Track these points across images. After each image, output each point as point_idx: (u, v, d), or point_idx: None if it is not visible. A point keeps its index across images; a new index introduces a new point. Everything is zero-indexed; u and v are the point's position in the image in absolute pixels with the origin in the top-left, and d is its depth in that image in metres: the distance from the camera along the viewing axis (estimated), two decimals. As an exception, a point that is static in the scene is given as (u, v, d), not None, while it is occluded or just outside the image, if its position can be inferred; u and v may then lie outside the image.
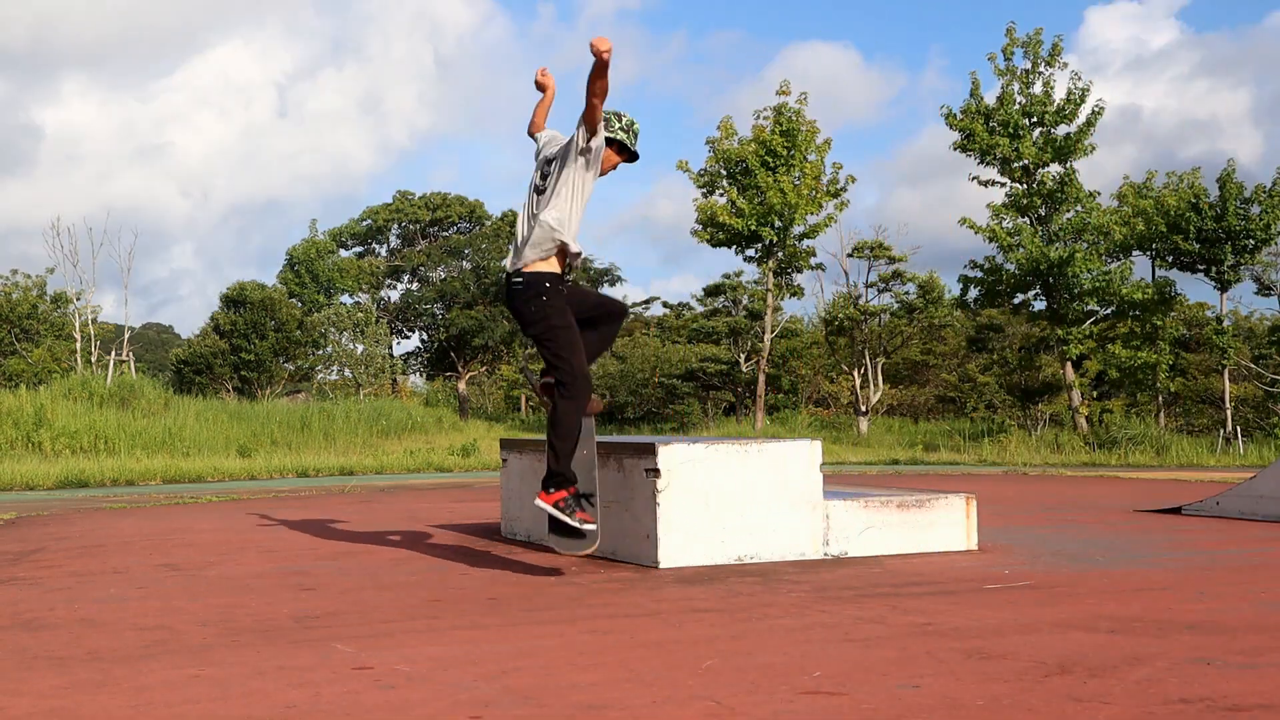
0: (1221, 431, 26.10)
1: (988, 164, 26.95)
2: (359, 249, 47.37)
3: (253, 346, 38.71)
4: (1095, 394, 32.58)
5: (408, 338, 46.08)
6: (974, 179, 27.40)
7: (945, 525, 6.07)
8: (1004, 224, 26.93)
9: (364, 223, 46.86)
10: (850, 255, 32.08)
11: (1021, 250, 26.28)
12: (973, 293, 28.22)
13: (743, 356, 35.37)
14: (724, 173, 28.76)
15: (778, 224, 28.17)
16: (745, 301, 36.90)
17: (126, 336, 32.26)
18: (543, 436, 5.60)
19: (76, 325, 32.96)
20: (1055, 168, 26.75)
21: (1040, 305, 27.92)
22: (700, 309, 40.83)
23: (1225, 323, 28.23)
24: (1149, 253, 28.88)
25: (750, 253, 29.61)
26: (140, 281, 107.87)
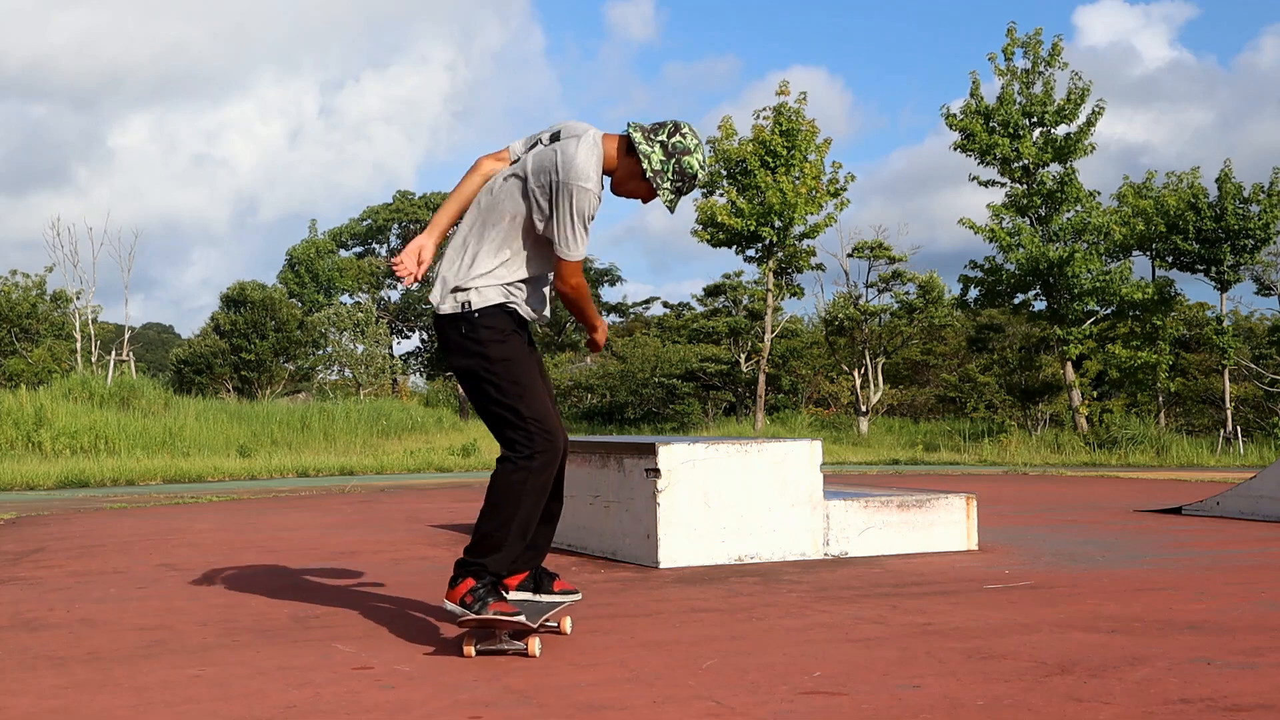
0: (1221, 431, 26.09)
1: (987, 164, 26.95)
2: (359, 249, 47.39)
3: (253, 346, 38.70)
4: (1095, 394, 32.56)
5: (408, 338, 46.12)
6: (974, 179, 27.41)
7: (945, 525, 6.07)
8: (1004, 224, 26.93)
9: (364, 222, 46.89)
10: (850, 255, 32.08)
11: (1021, 250, 26.28)
12: (973, 293, 28.22)
13: (743, 356, 35.37)
14: (724, 173, 28.77)
15: (777, 224, 28.17)
16: (745, 301, 36.89)
17: (126, 336, 32.26)
18: None
19: (76, 325, 32.96)
20: (1055, 167, 26.75)
21: (1040, 305, 27.92)
22: (700, 309, 40.83)
23: (1225, 323, 28.22)
24: (1149, 253, 28.87)
25: (750, 253, 29.63)
26: (170, 293, 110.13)
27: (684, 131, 3.63)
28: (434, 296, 3.64)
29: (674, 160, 3.60)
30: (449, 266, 3.63)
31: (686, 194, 3.68)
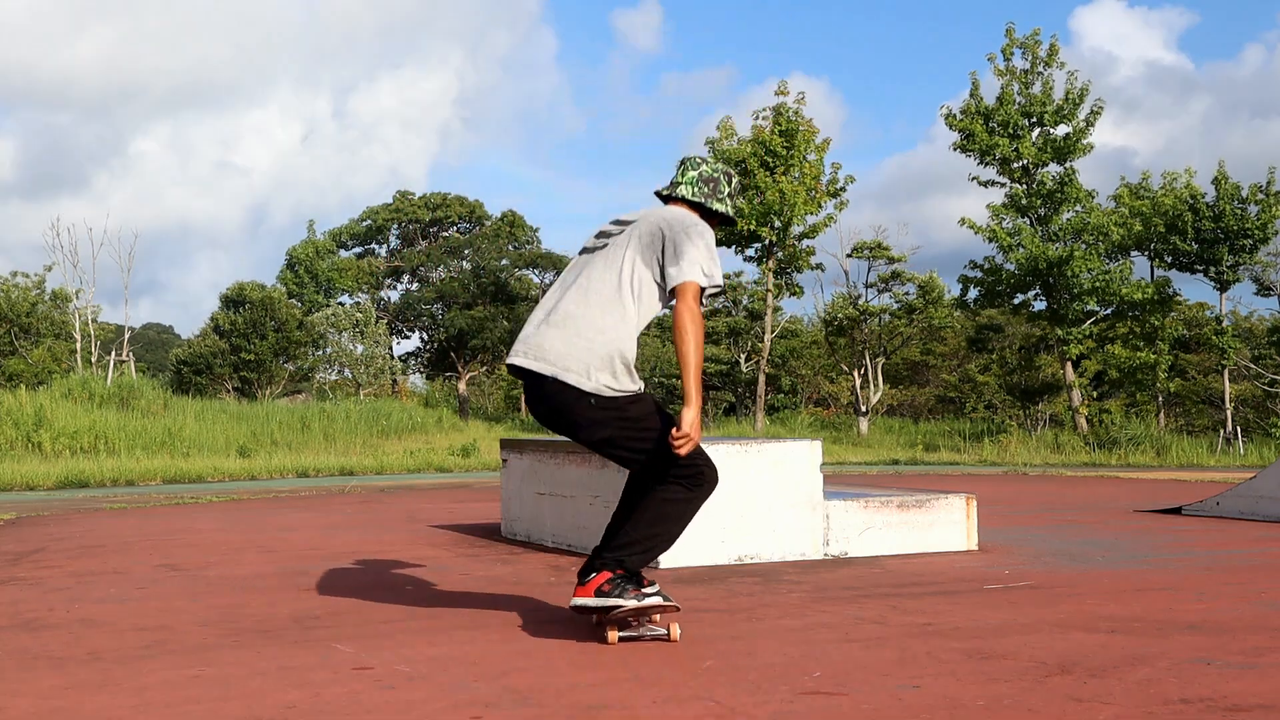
0: (1221, 431, 26.08)
1: (987, 164, 26.95)
2: (359, 249, 47.34)
3: (253, 347, 38.69)
4: (1095, 394, 32.57)
5: (407, 338, 46.05)
6: (974, 179, 27.41)
7: (945, 525, 6.07)
8: (1004, 224, 26.93)
9: (364, 223, 46.81)
10: (850, 255, 32.07)
11: (1021, 250, 26.28)
12: (972, 293, 28.22)
13: (743, 356, 35.39)
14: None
15: (777, 224, 28.18)
16: (745, 301, 36.90)
17: (126, 336, 32.27)
18: (544, 437, 5.50)
19: (76, 325, 32.95)
20: (1054, 167, 26.76)
21: (1040, 305, 27.92)
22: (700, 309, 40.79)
23: (1225, 323, 28.22)
24: (1148, 253, 28.88)
25: (750, 252, 29.64)
26: (179, 297, 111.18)
27: (706, 171, 3.91)
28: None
29: (714, 183, 3.90)
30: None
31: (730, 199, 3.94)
